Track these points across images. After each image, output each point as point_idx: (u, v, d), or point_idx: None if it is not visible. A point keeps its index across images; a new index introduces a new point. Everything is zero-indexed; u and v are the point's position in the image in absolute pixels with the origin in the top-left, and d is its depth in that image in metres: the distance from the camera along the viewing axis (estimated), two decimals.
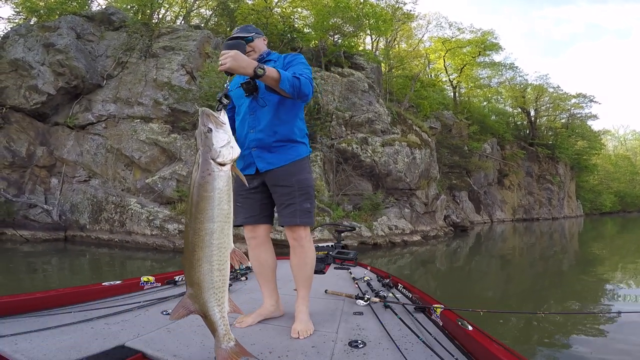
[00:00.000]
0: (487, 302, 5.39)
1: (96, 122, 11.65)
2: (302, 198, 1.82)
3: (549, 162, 30.88)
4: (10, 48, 11.29)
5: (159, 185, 10.28)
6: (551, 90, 31.78)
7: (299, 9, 19.36)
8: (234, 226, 1.92)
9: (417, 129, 15.46)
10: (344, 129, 13.40)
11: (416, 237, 12.36)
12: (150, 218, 9.78)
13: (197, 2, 20.19)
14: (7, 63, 11.13)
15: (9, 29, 12.94)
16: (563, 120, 33.58)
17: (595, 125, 43.54)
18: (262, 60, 1.91)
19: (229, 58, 1.53)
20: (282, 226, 1.86)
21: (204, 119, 1.27)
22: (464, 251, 12.09)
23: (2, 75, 11.17)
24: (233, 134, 1.82)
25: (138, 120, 11.32)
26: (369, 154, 12.69)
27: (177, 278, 2.50)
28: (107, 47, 12.70)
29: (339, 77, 14.48)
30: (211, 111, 1.29)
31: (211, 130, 1.25)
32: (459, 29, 28.31)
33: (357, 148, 12.64)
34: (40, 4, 15.16)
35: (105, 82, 12.12)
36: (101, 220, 10.38)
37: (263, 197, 1.91)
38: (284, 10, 18.60)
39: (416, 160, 13.59)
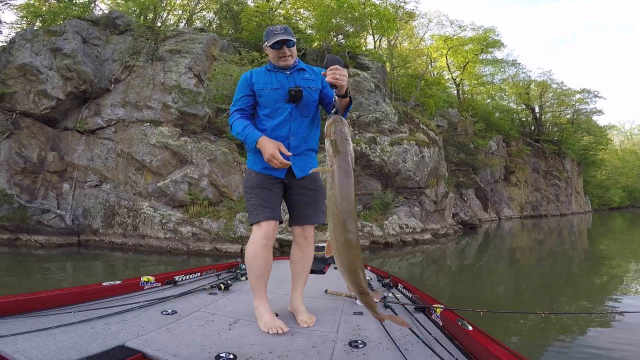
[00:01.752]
0: (495, 301, 5.38)
1: (106, 127, 11.67)
2: (323, 201, 1.98)
3: (555, 158, 30.72)
4: (18, 53, 11.29)
5: (171, 189, 10.28)
6: (555, 86, 31.68)
7: (301, 10, 19.40)
8: (254, 223, 1.85)
9: (425, 127, 15.43)
10: (351, 128, 13.38)
11: (427, 236, 12.33)
12: (163, 221, 9.78)
13: (200, 5, 20.24)
14: (15, 68, 11.16)
15: (14, 34, 13.00)
16: (568, 116, 33.37)
17: (600, 121, 43.43)
18: (297, 68, 1.98)
19: (345, 77, 1.61)
20: (301, 224, 1.96)
21: (343, 127, 1.42)
22: (473, 249, 12.06)
23: (10, 80, 11.21)
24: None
25: (147, 123, 11.33)
26: (377, 154, 12.67)
27: (177, 278, 2.47)
28: (114, 51, 12.71)
29: None
30: (346, 121, 1.44)
31: (348, 138, 1.41)
32: (460, 27, 28.32)
33: (365, 148, 12.61)
34: (43, 8, 15.24)
35: (113, 86, 12.14)
36: (114, 224, 10.39)
37: (281, 195, 1.97)
38: (287, 11, 18.62)
39: (425, 159, 13.55)
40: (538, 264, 8.86)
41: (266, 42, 1.91)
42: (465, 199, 21.05)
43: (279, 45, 1.89)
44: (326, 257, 1.53)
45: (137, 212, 10.20)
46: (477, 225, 17.97)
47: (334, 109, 1.59)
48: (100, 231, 10.50)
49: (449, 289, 6.39)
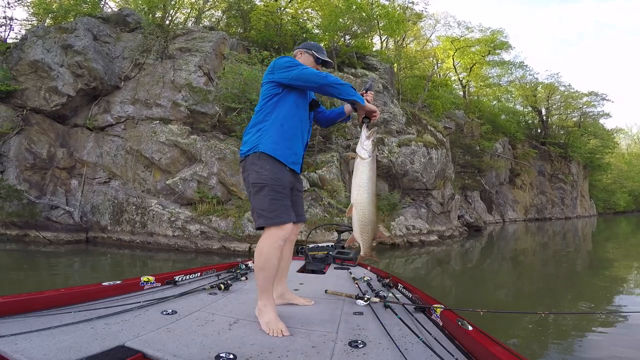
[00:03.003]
0: (497, 302, 5.39)
1: (115, 124, 11.71)
2: None
3: (561, 161, 30.55)
4: (29, 49, 11.34)
5: (180, 187, 10.31)
6: (562, 88, 31.42)
7: (309, 10, 19.39)
8: (283, 223, 1.87)
9: (432, 129, 15.40)
10: (359, 129, 13.36)
11: (433, 237, 12.32)
12: (171, 219, 9.82)
13: (209, 3, 20.26)
14: (26, 64, 11.23)
15: (25, 31, 13.05)
16: (575, 119, 33.10)
17: (608, 124, 42.90)
18: None
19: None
20: (297, 222, 2.09)
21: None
22: (477, 251, 12.07)
23: (22, 77, 11.29)
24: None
25: (157, 121, 11.36)
26: (385, 155, 12.66)
27: (177, 278, 2.47)
28: (124, 49, 12.74)
29: (352, 77, 14.44)
30: None
31: None
32: (467, 28, 28.10)
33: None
34: (54, 5, 15.29)
35: (123, 83, 12.17)
36: (122, 222, 10.44)
37: None
38: (295, 10, 18.61)
39: (432, 161, 13.53)
40: (541, 266, 8.87)
41: (313, 52, 2.17)
42: (470, 201, 21.01)
43: (321, 62, 2.19)
44: (347, 216, 1.81)
45: (146, 210, 10.24)
46: (482, 227, 17.94)
47: (367, 117, 2.06)
48: (109, 228, 10.55)
49: (452, 290, 6.40)
